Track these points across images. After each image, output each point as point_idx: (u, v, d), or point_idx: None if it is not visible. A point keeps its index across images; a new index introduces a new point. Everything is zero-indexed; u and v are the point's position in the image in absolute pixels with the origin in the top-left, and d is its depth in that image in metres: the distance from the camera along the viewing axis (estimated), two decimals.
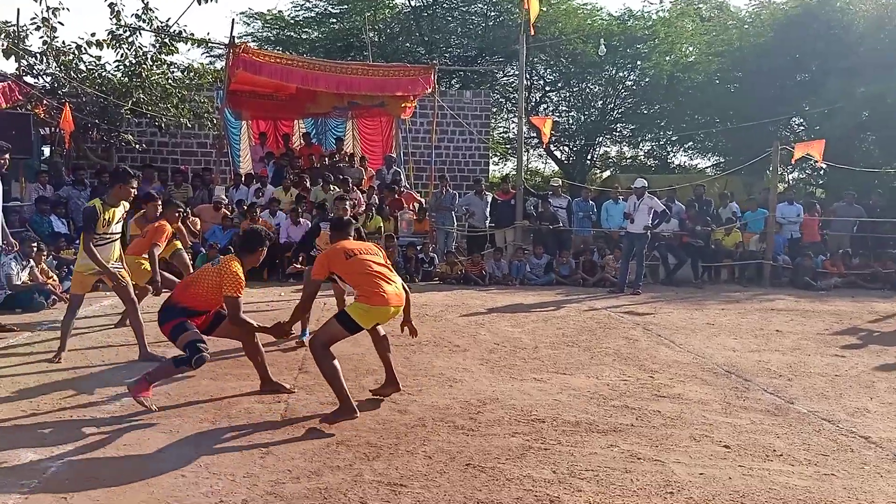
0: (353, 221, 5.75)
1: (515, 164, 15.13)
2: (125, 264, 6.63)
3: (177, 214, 7.85)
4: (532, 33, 13.70)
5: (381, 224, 13.09)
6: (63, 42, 14.26)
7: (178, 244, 8.15)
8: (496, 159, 27.13)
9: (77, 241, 10.83)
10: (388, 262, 5.25)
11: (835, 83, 17.29)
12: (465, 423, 4.88)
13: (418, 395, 5.51)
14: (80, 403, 5.11)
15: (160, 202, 7.78)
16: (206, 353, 4.91)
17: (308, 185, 13.75)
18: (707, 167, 25.69)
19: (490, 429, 4.78)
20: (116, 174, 6.34)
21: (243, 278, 5.10)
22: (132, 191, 6.26)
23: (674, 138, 24.85)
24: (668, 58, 22.68)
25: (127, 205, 6.41)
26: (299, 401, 5.28)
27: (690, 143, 24.70)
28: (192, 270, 8.02)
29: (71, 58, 14.37)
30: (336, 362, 4.86)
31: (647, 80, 23.71)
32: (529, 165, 28.49)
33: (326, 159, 15.38)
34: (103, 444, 4.36)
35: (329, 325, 4.95)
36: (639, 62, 23.48)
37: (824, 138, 13.95)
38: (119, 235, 6.40)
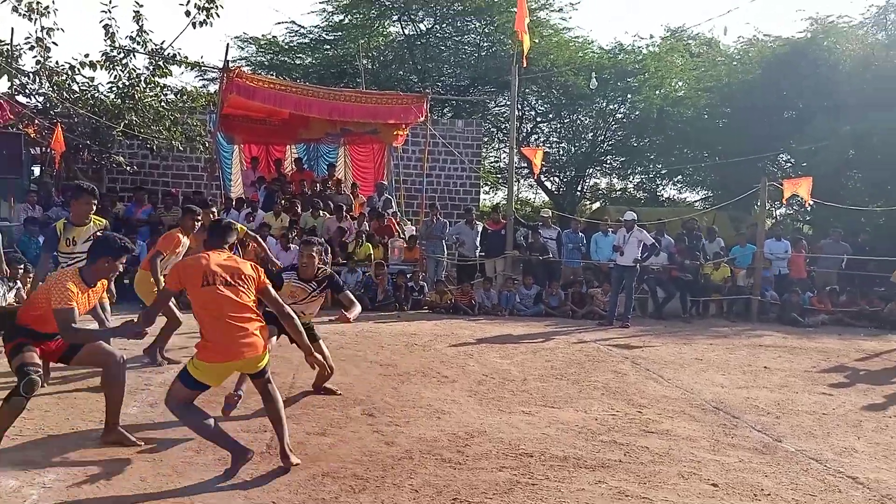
0: (234, 228, 4.84)
1: (506, 193, 15.18)
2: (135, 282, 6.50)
3: (194, 223, 7.29)
4: (524, 65, 13.85)
5: (371, 251, 13.09)
6: (56, 62, 14.28)
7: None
8: (487, 189, 27.31)
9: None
10: (264, 286, 4.51)
11: (821, 121, 17.54)
12: (452, 456, 4.84)
13: (405, 427, 5.46)
14: (64, 430, 5.03)
15: (198, 214, 7.38)
16: (36, 376, 4.34)
17: (299, 210, 13.75)
18: (696, 201, 25.92)
19: (478, 462, 4.74)
20: (70, 189, 6.23)
21: (73, 290, 4.41)
22: (90, 205, 6.06)
23: (663, 171, 25.07)
24: (657, 92, 22.96)
25: (103, 222, 6.30)
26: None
27: (679, 177, 24.92)
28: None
29: (64, 78, 14.36)
30: (201, 418, 4.27)
31: (637, 113, 23.97)
32: (520, 195, 28.63)
33: (318, 185, 15.39)
34: (86, 472, 4.28)
35: (174, 384, 4.34)
36: (629, 95, 23.75)
37: (811, 175, 14.12)
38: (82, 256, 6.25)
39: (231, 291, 4.29)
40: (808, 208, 19.45)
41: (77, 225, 6.06)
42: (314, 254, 6.06)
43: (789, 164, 21.32)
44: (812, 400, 7.01)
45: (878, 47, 18.72)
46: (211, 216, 7.64)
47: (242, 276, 4.39)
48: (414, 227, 14.74)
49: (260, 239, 7.95)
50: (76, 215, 6.08)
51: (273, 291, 4.61)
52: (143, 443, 4.76)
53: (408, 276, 12.72)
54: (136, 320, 4.53)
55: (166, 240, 7.05)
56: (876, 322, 12.68)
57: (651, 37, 25.27)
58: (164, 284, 4.54)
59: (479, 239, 14.11)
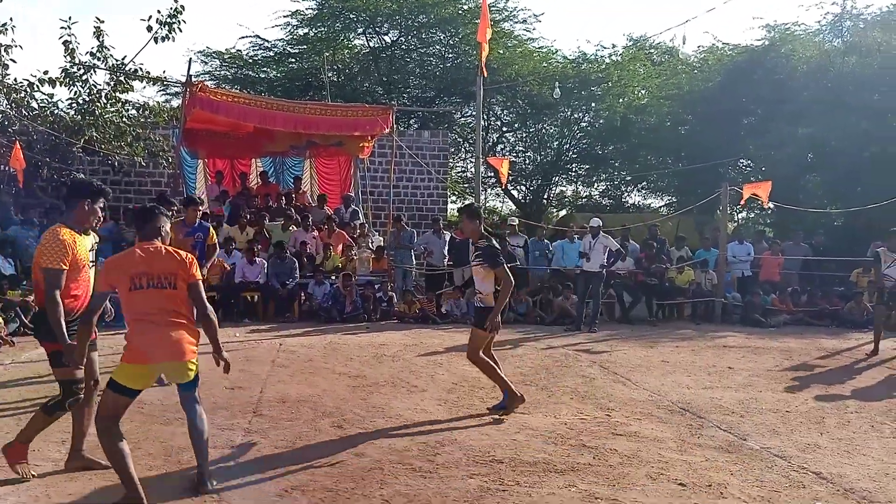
0: (161, 214, 4.37)
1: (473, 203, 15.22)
2: None
3: (198, 212, 7.37)
4: (484, 74, 13.95)
5: (338, 263, 13.05)
6: (15, 79, 14.06)
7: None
8: (454, 198, 27.33)
9: (24, 283, 10.59)
10: (193, 276, 4.19)
11: (780, 126, 17.92)
12: (422, 464, 4.84)
13: (375, 437, 5.44)
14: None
15: (199, 209, 7.40)
16: (82, 394, 4.37)
17: (266, 222, 13.66)
18: (660, 207, 26.27)
19: (448, 471, 4.74)
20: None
21: (68, 245, 4.23)
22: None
23: (627, 178, 25.39)
24: (621, 100, 23.28)
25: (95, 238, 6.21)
26: (253, 445, 5.17)
27: (644, 184, 25.27)
28: None
29: (22, 95, 14.15)
30: (118, 445, 3.95)
31: (601, 121, 24.27)
32: (487, 204, 28.74)
33: (284, 198, 15.30)
34: (48, 489, 4.20)
35: (104, 395, 4.08)
36: (593, 104, 24.05)
37: (771, 179, 14.42)
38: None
39: (157, 292, 4.06)
40: (769, 211, 19.85)
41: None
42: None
43: (749, 169, 21.74)
44: (775, 398, 7.14)
45: (834, 53, 19.20)
46: (197, 213, 7.51)
47: (166, 274, 4.10)
48: (381, 238, 14.72)
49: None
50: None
51: (201, 289, 4.25)
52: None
53: (376, 286, 12.69)
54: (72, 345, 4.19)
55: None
56: (836, 321, 12.96)
57: (613, 46, 25.62)
58: (97, 288, 4.26)
59: (447, 248, 14.14)
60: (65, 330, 4.17)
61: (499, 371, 6.28)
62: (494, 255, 6.11)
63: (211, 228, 7.77)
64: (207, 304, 4.29)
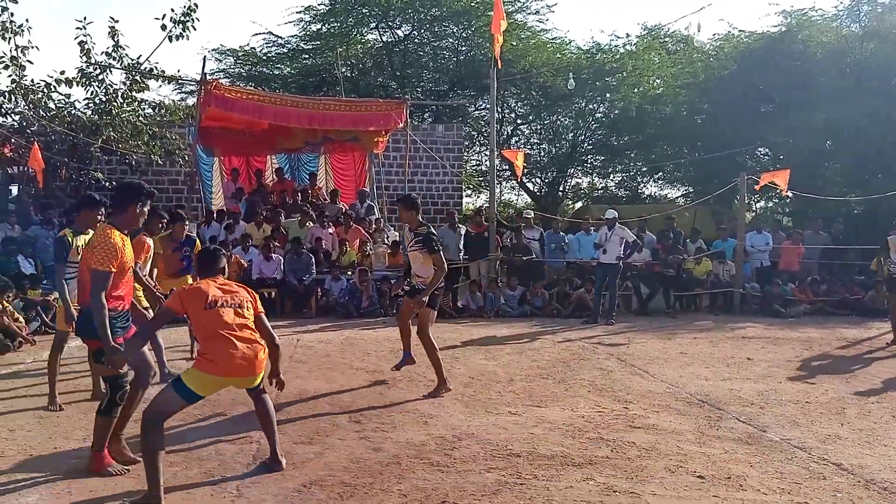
0: (222, 254, 4.82)
1: (488, 196, 15.21)
2: None
3: (160, 225, 7.39)
4: (499, 66, 13.91)
5: (355, 258, 13.08)
6: (32, 80, 14.20)
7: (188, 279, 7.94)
8: (469, 192, 27.31)
9: (44, 282, 10.71)
10: (258, 309, 4.57)
11: (797, 113, 17.72)
12: (440, 459, 4.85)
13: (393, 432, 5.46)
14: (47, 449, 4.99)
15: (164, 218, 7.47)
16: (127, 384, 4.52)
17: (282, 219, 13.72)
18: (677, 197, 26.10)
19: (465, 465, 4.75)
20: (83, 201, 6.13)
21: (115, 245, 4.35)
22: (99, 217, 6.12)
23: (644, 169, 25.22)
24: (636, 90, 23.11)
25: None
26: (260, 443, 5.19)
27: (660, 174, 25.09)
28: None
29: (40, 96, 14.28)
30: (159, 446, 4.12)
31: (616, 112, 24.12)
32: (502, 198, 28.70)
33: (299, 195, 15.36)
34: (69, 489, 4.25)
35: (163, 394, 4.29)
36: (608, 94, 23.91)
37: (789, 167, 14.26)
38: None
39: (233, 312, 4.37)
40: (787, 200, 19.65)
41: (82, 233, 6.04)
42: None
43: (767, 157, 21.53)
44: (795, 389, 7.08)
45: (851, 39, 18.94)
46: (184, 229, 7.68)
47: (240, 301, 4.47)
48: (397, 233, 14.74)
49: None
50: (85, 224, 6.01)
51: (266, 320, 4.60)
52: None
53: (392, 281, 12.71)
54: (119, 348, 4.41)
55: (137, 246, 6.88)
56: (857, 310, 12.82)
57: (628, 36, 25.43)
58: (166, 304, 4.49)
59: (462, 242, 14.13)
60: (109, 331, 4.29)
61: (410, 336, 7.08)
62: (431, 242, 6.62)
63: (198, 241, 7.95)
64: (274, 334, 4.61)
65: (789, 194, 14.70)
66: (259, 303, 4.62)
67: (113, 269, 4.33)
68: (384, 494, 4.23)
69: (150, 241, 7.02)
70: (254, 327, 4.45)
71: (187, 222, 7.93)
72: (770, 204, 23.10)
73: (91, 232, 6.10)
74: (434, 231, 6.87)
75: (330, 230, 13.66)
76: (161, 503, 4.01)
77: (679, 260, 13.24)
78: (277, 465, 4.59)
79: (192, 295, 4.39)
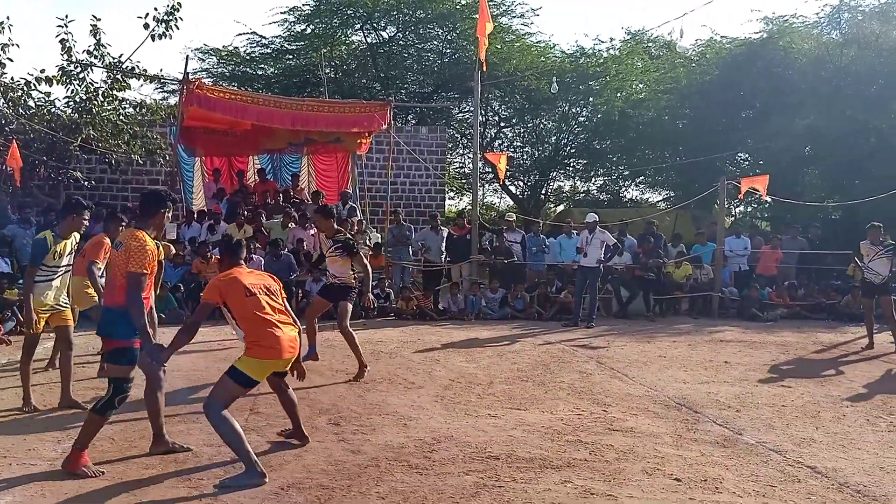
0: (244, 245, 5.15)
1: (471, 198, 15.24)
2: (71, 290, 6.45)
3: (120, 227, 7.26)
4: (484, 69, 13.94)
5: None
6: (12, 78, 14.04)
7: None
8: (452, 194, 27.33)
9: (20, 282, 10.57)
10: (284, 296, 4.93)
11: (778, 119, 17.90)
12: (419, 462, 4.85)
13: (372, 435, 5.46)
14: (19, 450, 4.94)
15: (123, 221, 7.39)
16: (129, 392, 4.58)
17: (263, 220, 13.65)
18: (658, 201, 26.25)
19: (444, 467, 4.76)
20: (69, 205, 6.09)
21: (150, 250, 4.58)
22: (84, 222, 6.10)
23: (625, 173, 25.35)
24: (618, 94, 23.23)
25: (78, 236, 6.23)
26: (251, 442, 5.17)
27: (642, 178, 25.23)
28: None
29: (19, 94, 14.12)
30: (235, 424, 4.48)
31: (598, 116, 24.22)
32: (485, 200, 28.74)
33: (282, 196, 15.29)
34: (43, 491, 4.21)
35: (220, 384, 4.58)
36: (591, 98, 24.00)
37: (768, 173, 14.40)
38: (69, 269, 6.21)
39: (270, 299, 4.69)
40: (766, 205, 19.84)
41: (64, 238, 5.99)
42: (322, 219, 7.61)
43: (747, 163, 21.72)
44: (771, 392, 7.16)
45: (832, 45, 19.16)
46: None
47: (271, 288, 4.80)
48: (379, 235, 14.72)
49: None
50: (67, 230, 5.99)
51: (288, 305, 4.97)
52: (193, 447, 4.99)
53: (373, 283, 12.68)
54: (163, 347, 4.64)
55: (96, 247, 6.85)
56: (833, 315, 12.97)
57: (611, 40, 25.58)
58: (204, 299, 4.68)
59: (444, 244, 14.15)
60: (149, 330, 4.53)
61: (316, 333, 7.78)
62: (352, 247, 7.45)
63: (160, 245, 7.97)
64: (296, 319, 4.93)
65: (768, 199, 14.85)
66: (282, 289, 4.95)
67: (147, 271, 4.54)
68: (362, 497, 4.23)
69: (108, 241, 6.92)
70: (286, 311, 4.78)
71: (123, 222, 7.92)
72: (749, 209, 23.31)
73: (74, 236, 6.07)
74: (350, 236, 7.72)
75: (312, 231, 13.60)
76: (266, 477, 4.36)
77: (659, 264, 13.33)
78: (304, 439, 5.13)
79: (229, 284, 4.62)
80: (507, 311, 12.66)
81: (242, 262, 4.94)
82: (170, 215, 4.90)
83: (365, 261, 7.56)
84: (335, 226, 7.67)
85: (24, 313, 5.96)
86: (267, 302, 4.64)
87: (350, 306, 7.57)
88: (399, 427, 5.69)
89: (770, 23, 20.58)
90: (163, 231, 5.01)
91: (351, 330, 7.43)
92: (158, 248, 7.03)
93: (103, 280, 6.36)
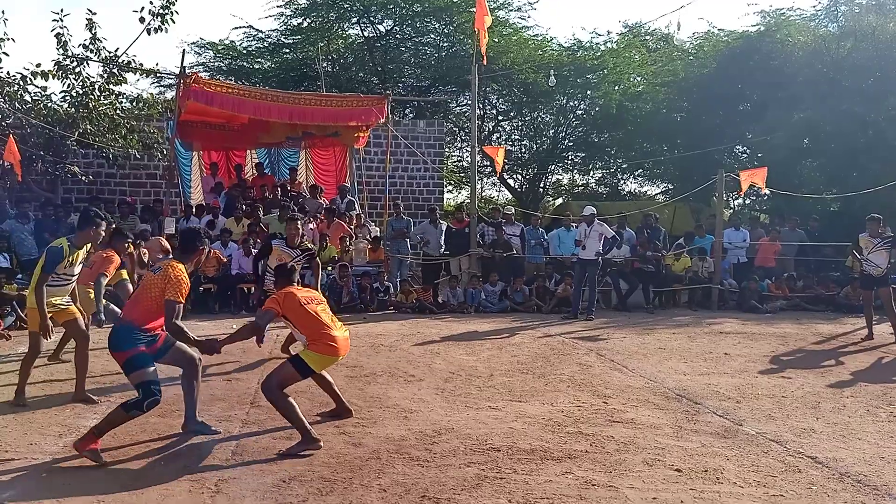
0: (296, 270, 5.91)
1: (469, 192, 15.22)
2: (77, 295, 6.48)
3: (126, 245, 7.74)
4: (484, 62, 13.91)
5: (335, 254, 13.03)
6: (7, 73, 13.97)
7: (124, 274, 7.97)
8: (450, 188, 27.27)
9: (19, 276, 10.56)
10: (328, 309, 5.49)
11: (776, 112, 17.88)
12: (420, 454, 4.86)
13: (373, 427, 5.46)
14: (21, 444, 4.94)
15: (130, 240, 7.94)
16: (159, 395, 4.72)
17: (261, 214, 13.63)
18: (656, 194, 26.25)
19: (445, 459, 4.76)
20: (88, 217, 6.00)
21: (187, 282, 4.96)
22: (102, 234, 6.14)
23: (623, 166, 25.35)
24: (616, 87, 23.19)
25: (88, 246, 6.24)
26: (251, 437, 5.18)
27: (640, 171, 25.24)
28: None
29: (15, 88, 14.06)
30: (291, 399, 5.01)
31: (596, 109, 24.19)
32: (483, 194, 28.72)
33: (279, 189, 15.27)
34: (45, 485, 4.21)
35: (283, 368, 5.12)
36: (588, 92, 23.95)
37: (766, 165, 14.39)
38: (77, 278, 6.24)
39: (322, 310, 5.32)
40: (765, 198, 19.86)
41: (78, 249, 5.98)
42: (300, 227, 8.00)
43: (745, 155, 21.72)
44: (771, 384, 7.17)
45: (829, 38, 19.12)
46: (161, 243, 8.15)
47: (321, 300, 5.52)
48: (378, 229, 14.71)
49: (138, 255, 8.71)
50: (83, 241, 5.99)
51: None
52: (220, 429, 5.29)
53: (373, 277, 12.69)
54: (217, 339, 5.37)
55: (106, 262, 7.24)
56: (832, 306, 12.99)
57: (609, 33, 25.61)
58: (267, 307, 5.29)
59: (443, 238, 14.14)
60: (193, 336, 5.06)
61: None
62: (314, 256, 8.02)
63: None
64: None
65: (767, 192, 14.86)
66: (327, 303, 5.61)
67: (183, 301, 4.91)
68: (364, 489, 4.23)
69: (117, 258, 7.44)
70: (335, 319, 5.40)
71: (129, 240, 8.12)
72: (748, 201, 23.32)
73: (82, 248, 6.06)
74: (312, 247, 8.14)
75: (310, 225, 13.59)
76: (321, 442, 4.90)
77: (658, 256, 13.34)
78: (348, 412, 5.71)
79: (288, 298, 5.27)
80: (506, 304, 12.67)
81: (295, 283, 5.62)
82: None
83: (320, 272, 8.24)
84: (301, 232, 8.09)
85: (40, 322, 5.85)
86: (321, 310, 5.31)
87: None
88: (400, 420, 5.69)
89: (767, 16, 20.61)
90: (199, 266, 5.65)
91: None
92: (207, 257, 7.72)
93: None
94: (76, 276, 6.18)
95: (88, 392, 6.13)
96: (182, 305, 4.91)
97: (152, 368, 4.76)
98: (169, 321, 4.85)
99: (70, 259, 5.93)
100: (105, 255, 7.21)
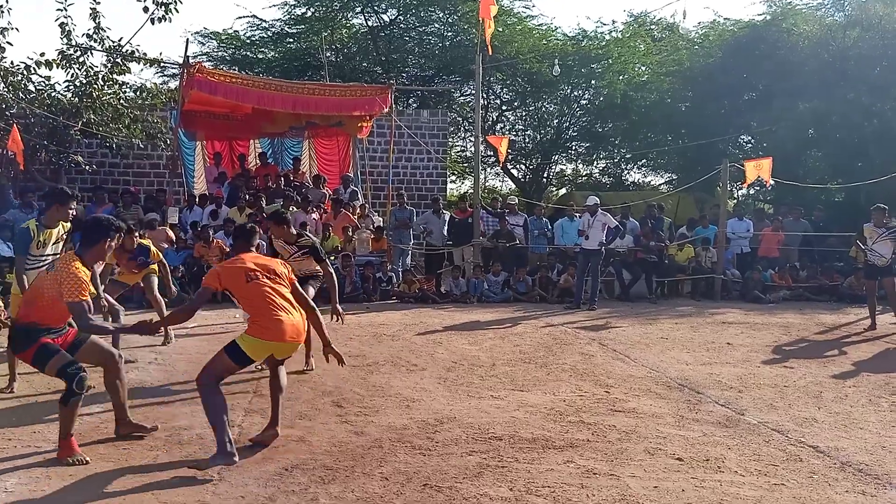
0: (257, 231, 5.18)
1: (473, 182, 15.20)
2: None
3: (134, 238, 7.78)
4: (490, 52, 13.86)
5: (338, 243, 13.04)
6: (11, 62, 13.96)
7: (155, 268, 8.14)
8: (454, 178, 27.24)
9: None
10: (294, 280, 4.88)
11: (781, 101, 17.79)
12: (422, 443, 4.87)
13: (375, 416, 5.48)
14: (24, 433, 4.96)
15: (136, 235, 7.90)
16: (84, 373, 4.46)
17: (264, 204, 13.63)
18: (660, 184, 26.18)
19: (447, 448, 4.78)
20: (54, 194, 6.01)
21: (84, 277, 4.48)
22: (70, 211, 6.02)
23: (628, 156, 25.26)
24: (621, 77, 23.09)
25: (67, 225, 6.20)
26: (254, 425, 5.20)
27: (644, 161, 25.14)
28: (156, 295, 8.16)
29: (19, 78, 14.06)
30: (222, 398, 4.47)
31: (601, 98, 24.09)
32: (487, 184, 28.69)
33: (282, 179, 15.27)
34: (47, 475, 4.23)
35: (218, 357, 4.55)
36: (593, 81, 23.85)
37: (771, 155, 14.35)
38: (56, 257, 6.14)
39: (274, 283, 4.66)
40: (769, 188, 19.79)
41: (49, 227, 5.95)
42: (285, 227, 6.99)
43: (750, 145, 21.63)
44: (773, 373, 7.17)
45: (835, 28, 19.00)
46: (134, 240, 7.85)
47: (277, 272, 4.75)
48: (381, 219, 14.71)
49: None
50: (53, 219, 5.94)
51: (299, 287, 4.95)
52: (157, 425, 5.03)
53: (375, 266, 12.70)
54: (151, 321, 4.85)
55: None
56: (835, 296, 12.97)
57: (613, 22, 25.44)
58: (204, 284, 4.68)
59: (446, 228, 14.13)
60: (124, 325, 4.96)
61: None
62: (318, 252, 6.98)
63: (151, 246, 8.15)
64: (310, 300, 4.99)
65: (771, 182, 14.82)
66: (293, 273, 4.94)
67: (87, 299, 4.46)
68: (366, 478, 4.25)
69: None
70: (292, 298, 4.72)
71: (137, 233, 8.12)
72: (752, 191, 23.25)
73: (62, 225, 6.02)
74: (317, 242, 7.23)
75: (314, 215, 13.60)
76: (236, 457, 4.33)
77: (661, 246, 13.32)
78: (273, 433, 4.85)
79: (230, 271, 4.67)
80: (509, 294, 12.67)
81: (253, 248, 4.98)
82: (114, 244, 4.78)
83: (330, 269, 6.96)
84: (292, 230, 7.14)
85: (14, 299, 5.89)
86: (270, 287, 4.62)
87: (311, 290, 6.93)
88: (402, 409, 5.71)
89: (773, 4, 20.43)
90: (103, 260, 5.05)
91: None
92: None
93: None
94: (50, 257, 5.90)
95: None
96: (87, 302, 4.43)
97: (61, 353, 4.48)
98: (81, 324, 4.48)
99: (41, 239, 5.85)
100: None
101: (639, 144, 23.61)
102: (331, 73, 19.65)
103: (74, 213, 6.23)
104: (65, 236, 6.17)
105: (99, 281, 6.65)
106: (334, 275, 6.96)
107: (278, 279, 4.71)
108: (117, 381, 4.83)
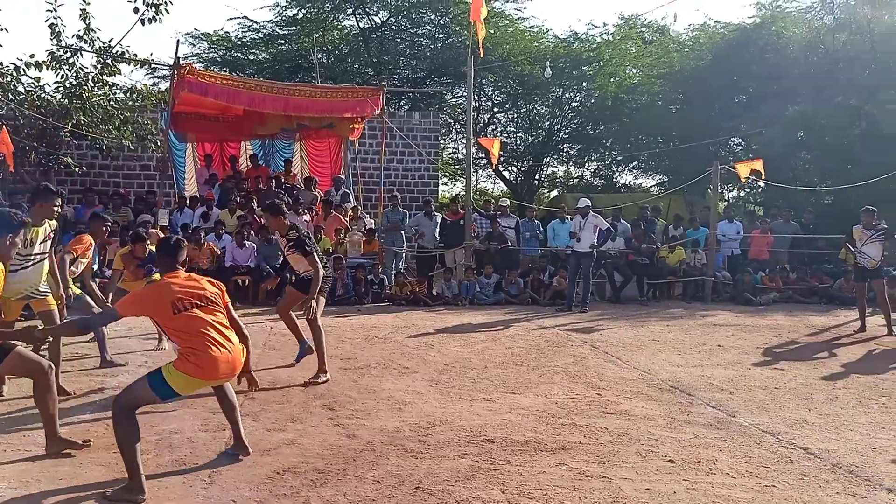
0: (183, 244, 4.52)
1: (464, 184, 15.21)
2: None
3: (104, 228, 7.46)
4: (481, 55, 13.89)
5: (329, 245, 13.02)
6: (1, 63, 13.90)
7: (157, 277, 8.01)
8: (445, 180, 27.27)
9: None
10: (228, 303, 4.44)
11: (771, 104, 17.92)
12: (414, 445, 4.86)
13: (367, 419, 5.46)
14: (14, 436, 4.93)
15: (147, 242, 7.73)
16: None
17: (255, 206, 13.60)
18: (651, 186, 26.29)
19: (439, 451, 4.77)
20: (38, 191, 5.93)
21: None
22: (55, 208, 5.95)
23: (619, 158, 25.37)
24: (612, 79, 23.20)
25: (54, 223, 6.14)
26: (245, 428, 5.16)
27: (635, 163, 25.26)
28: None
29: (9, 79, 13.98)
30: (136, 435, 4.01)
31: (592, 101, 24.20)
32: (478, 186, 28.71)
33: (274, 181, 15.24)
34: (39, 474, 4.20)
35: (138, 386, 4.09)
36: (584, 83, 23.96)
37: (761, 157, 14.43)
38: (44, 257, 6.05)
39: (205, 312, 4.19)
40: (759, 190, 19.91)
41: (35, 226, 5.88)
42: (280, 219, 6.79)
43: (740, 147, 21.77)
44: (764, 375, 7.20)
45: (824, 31, 19.15)
46: (146, 249, 7.74)
47: (208, 297, 4.27)
48: (372, 221, 14.69)
49: None
50: (38, 217, 5.87)
51: (233, 310, 4.51)
52: (90, 441, 4.69)
53: (367, 269, 12.69)
54: (37, 328, 4.38)
55: (75, 242, 6.95)
56: (825, 298, 13.05)
57: (605, 25, 25.56)
58: (118, 310, 4.23)
59: (438, 230, 14.13)
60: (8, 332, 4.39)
61: (299, 327, 7.19)
62: (304, 245, 6.70)
63: None
64: (242, 325, 4.50)
65: (761, 184, 14.91)
66: (226, 294, 4.49)
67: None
68: (358, 481, 4.24)
69: (90, 240, 7.10)
70: (228, 324, 4.32)
71: (149, 241, 7.89)
72: (742, 193, 23.38)
73: (48, 224, 5.96)
74: (304, 234, 6.89)
75: (305, 217, 13.56)
76: (145, 493, 3.92)
77: (652, 249, 13.36)
78: (244, 450, 4.57)
79: (153, 301, 4.17)
80: (500, 297, 12.68)
81: (179, 266, 4.38)
82: (18, 241, 4.52)
83: (318, 263, 6.64)
84: (287, 222, 6.93)
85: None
86: (202, 318, 4.14)
87: (323, 300, 6.95)
88: (394, 411, 5.70)
89: (763, 8, 20.61)
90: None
91: (293, 315, 7.17)
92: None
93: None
94: (39, 256, 5.86)
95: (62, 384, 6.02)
96: None
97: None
98: None
99: (28, 238, 5.72)
100: (76, 238, 7.00)
101: (630, 146, 23.73)
102: (322, 74, 19.64)
103: (59, 211, 6.14)
104: (52, 235, 6.06)
105: (63, 276, 6.40)
106: (321, 270, 6.64)
107: (212, 306, 4.24)
108: (46, 395, 4.49)
